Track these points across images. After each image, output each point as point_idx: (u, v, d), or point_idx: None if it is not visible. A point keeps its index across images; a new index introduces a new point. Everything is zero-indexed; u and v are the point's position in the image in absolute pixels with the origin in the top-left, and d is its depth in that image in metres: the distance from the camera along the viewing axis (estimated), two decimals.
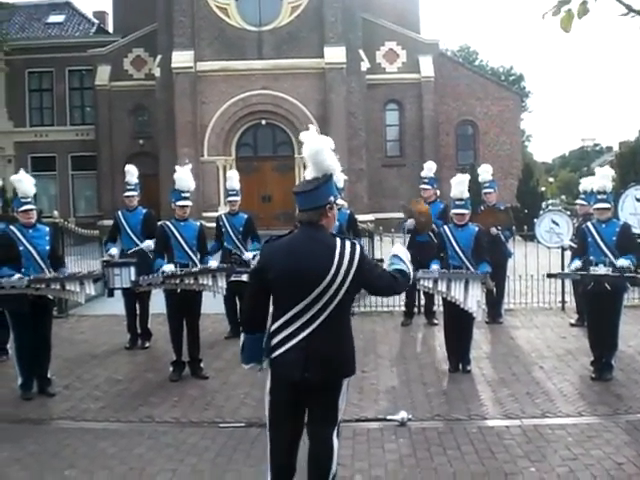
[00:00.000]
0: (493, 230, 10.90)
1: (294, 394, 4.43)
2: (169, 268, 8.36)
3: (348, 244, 4.43)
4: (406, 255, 4.80)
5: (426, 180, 11.50)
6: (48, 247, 8.04)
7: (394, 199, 27.78)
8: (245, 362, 4.70)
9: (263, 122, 32.57)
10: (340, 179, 10.20)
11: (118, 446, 6.35)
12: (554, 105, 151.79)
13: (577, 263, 8.22)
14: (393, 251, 4.82)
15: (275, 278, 4.38)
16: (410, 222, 11.13)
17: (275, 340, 4.43)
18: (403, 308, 11.89)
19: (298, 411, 4.53)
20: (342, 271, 4.33)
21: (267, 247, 4.63)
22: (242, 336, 4.65)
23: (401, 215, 12.16)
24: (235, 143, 33.14)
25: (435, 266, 8.65)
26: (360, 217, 17.62)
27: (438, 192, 11.83)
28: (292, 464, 4.58)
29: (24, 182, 8.07)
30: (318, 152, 4.46)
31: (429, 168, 11.63)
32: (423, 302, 11.87)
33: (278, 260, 4.40)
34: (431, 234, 11.19)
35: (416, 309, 11.89)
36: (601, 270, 7.96)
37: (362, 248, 4.54)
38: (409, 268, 4.71)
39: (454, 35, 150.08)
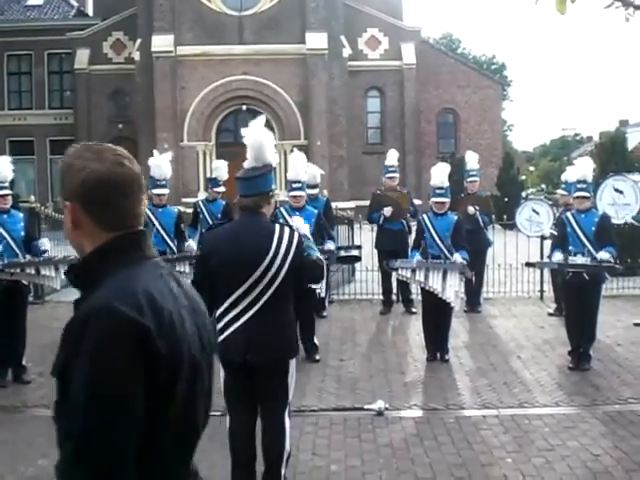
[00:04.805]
0: (470, 209, 10.92)
1: (243, 377, 4.62)
2: None
3: (287, 230, 4.63)
4: (308, 231, 5.16)
5: (393, 169, 11.58)
6: (23, 233, 7.92)
7: (375, 186, 27.32)
8: None
9: (244, 107, 32.37)
10: (317, 174, 10.15)
11: None
12: (536, 94, 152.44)
13: (559, 256, 8.20)
14: (300, 229, 4.99)
15: (218, 264, 4.52)
16: (388, 210, 11.07)
17: (220, 324, 4.57)
18: (381, 297, 11.86)
19: (250, 394, 4.69)
20: (280, 255, 4.49)
21: (209, 235, 5.02)
22: None
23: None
24: (215, 128, 32.98)
25: (417, 257, 8.59)
26: (340, 204, 17.64)
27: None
28: (252, 448, 4.74)
29: (3, 166, 7.96)
30: (261, 144, 4.66)
31: (394, 156, 11.74)
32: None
33: (220, 247, 4.59)
34: (404, 222, 11.21)
35: (395, 297, 11.85)
36: (579, 260, 7.97)
37: (300, 235, 4.73)
38: (320, 256, 4.97)
39: (437, 23, 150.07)
